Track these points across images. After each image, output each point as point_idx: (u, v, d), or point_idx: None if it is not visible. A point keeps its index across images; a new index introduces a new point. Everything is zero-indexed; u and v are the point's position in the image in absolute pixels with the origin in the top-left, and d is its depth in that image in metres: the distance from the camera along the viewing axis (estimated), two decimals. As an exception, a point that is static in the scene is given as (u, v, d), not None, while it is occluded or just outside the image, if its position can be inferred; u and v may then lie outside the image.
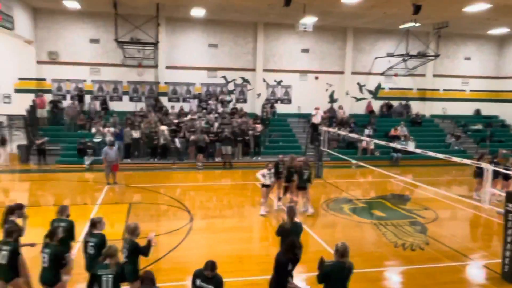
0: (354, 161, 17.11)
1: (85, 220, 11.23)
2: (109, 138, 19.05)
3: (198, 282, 5.42)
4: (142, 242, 6.31)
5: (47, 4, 20.52)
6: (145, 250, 6.19)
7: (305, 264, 7.15)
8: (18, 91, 21.69)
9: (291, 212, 7.50)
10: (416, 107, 26.56)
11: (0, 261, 5.93)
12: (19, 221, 7.05)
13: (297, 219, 11.60)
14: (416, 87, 26.86)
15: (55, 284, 5.99)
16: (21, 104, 21.12)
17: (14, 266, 6.02)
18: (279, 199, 12.74)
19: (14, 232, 6.25)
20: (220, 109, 22.80)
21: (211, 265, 5.40)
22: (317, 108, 22.23)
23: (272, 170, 12.22)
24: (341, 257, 5.48)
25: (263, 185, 12.17)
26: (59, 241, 6.30)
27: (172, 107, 22.62)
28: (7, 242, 6.08)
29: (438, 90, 27.09)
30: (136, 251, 6.16)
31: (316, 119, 21.77)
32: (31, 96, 21.49)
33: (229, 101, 23.68)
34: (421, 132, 24.74)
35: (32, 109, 21.07)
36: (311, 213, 12.12)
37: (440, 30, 23.23)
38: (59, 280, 6.05)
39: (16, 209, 7.08)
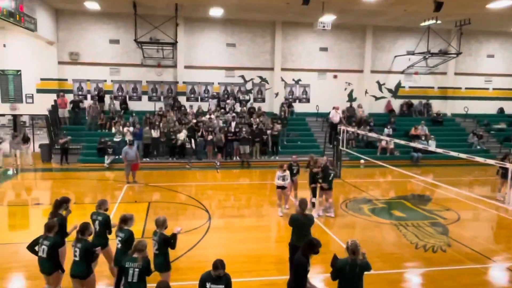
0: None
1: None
2: (128, 137, 19.31)
3: (208, 285, 5.31)
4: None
5: (68, 5, 20.88)
6: (172, 244, 6.58)
7: (324, 265, 7.09)
8: (40, 91, 22.15)
9: (302, 204, 7.71)
10: (437, 106, 26.11)
11: (40, 255, 6.32)
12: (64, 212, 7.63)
13: (318, 220, 11.56)
14: (437, 86, 26.41)
15: (87, 276, 6.28)
16: (43, 104, 21.56)
17: (54, 260, 6.35)
18: (313, 204, 12.29)
19: (54, 227, 6.51)
20: (239, 109, 22.84)
21: (220, 264, 5.34)
22: (335, 108, 22.03)
23: (287, 172, 12.05)
24: (353, 255, 5.60)
25: (278, 187, 12.01)
26: (96, 234, 7.04)
27: (191, 106, 22.76)
28: (47, 237, 6.39)
29: (460, 88, 26.56)
30: (165, 243, 6.52)
31: (335, 119, 21.59)
32: (53, 96, 21.91)
33: (248, 101, 23.70)
34: (442, 131, 24.30)
35: (54, 109, 21.47)
36: (332, 216, 11.97)
37: (462, 27, 22.78)
38: (90, 273, 6.35)
39: (63, 203, 7.63)
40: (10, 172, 17.80)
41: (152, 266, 5.99)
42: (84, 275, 6.27)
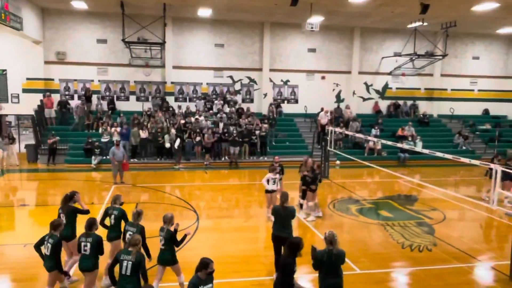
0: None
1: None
2: (115, 138, 19.18)
3: None
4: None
5: (55, 4, 20.65)
6: (178, 242, 6.92)
7: (311, 265, 7.13)
8: (26, 91, 21.88)
9: (283, 196, 8.06)
10: (424, 107, 26.42)
11: (45, 252, 6.52)
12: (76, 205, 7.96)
13: (305, 220, 11.61)
14: (423, 87, 26.71)
15: (95, 269, 6.60)
16: (28, 104, 21.31)
17: (56, 258, 6.51)
18: (301, 206, 12.29)
19: (60, 226, 6.74)
20: (227, 109, 22.81)
21: (209, 263, 5.32)
22: (325, 110, 21.87)
23: (278, 176, 11.65)
24: (330, 244, 5.90)
25: (267, 191, 11.45)
26: (110, 227, 7.62)
27: (179, 107, 22.67)
28: (52, 235, 6.55)
29: (446, 90, 26.91)
30: (172, 239, 6.84)
31: (323, 120, 21.61)
32: (39, 96, 21.64)
33: (236, 102, 23.66)
34: (428, 132, 24.59)
35: (40, 109, 21.22)
36: (320, 215, 12.02)
37: (448, 29, 23.07)
38: (97, 267, 6.64)
39: (73, 196, 7.92)
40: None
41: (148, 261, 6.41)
42: (91, 269, 6.55)
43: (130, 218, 7.60)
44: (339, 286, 5.95)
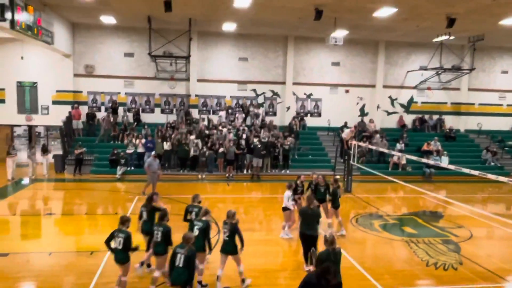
0: (338, 176, 15.75)
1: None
2: (140, 149, 19.56)
3: None
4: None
5: (85, 19, 21.34)
6: (242, 236, 7.98)
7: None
8: (55, 102, 22.59)
9: (309, 199, 9.28)
10: (450, 122, 25.93)
11: (117, 246, 7.27)
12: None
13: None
14: (450, 101, 26.26)
15: (165, 253, 7.59)
16: (57, 115, 22.01)
17: (127, 250, 7.32)
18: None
19: (127, 221, 7.52)
20: (249, 122, 22.92)
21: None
22: (351, 130, 21.18)
23: (294, 195, 11.41)
24: (331, 245, 6.64)
25: (287, 209, 11.23)
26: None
27: (203, 119, 22.91)
28: (121, 230, 7.36)
29: (473, 104, 26.38)
30: (235, 231, 7.89)
31: (347, 136, 21.18)
32: (68, 107, 22.30)
33: (258, 115, 23.71)
34: (455, 147, 24.09)
35: (68, 120, 21.83)
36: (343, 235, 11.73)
37: (476, 43, 22.70)
38: (129, 260, 7.40)
39: (153, 196, 9.10)
40: (24, 182, 18.06)
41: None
42: (123, 262, 7.39)
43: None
44: (340, 283, 6.64)
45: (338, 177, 12.95)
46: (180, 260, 6.51)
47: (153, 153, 16.99)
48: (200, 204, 8.98)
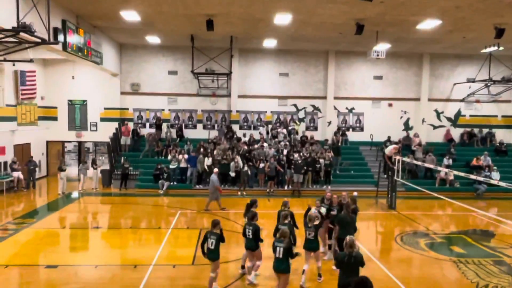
0: (355, 193, 14.93)
1: (158, 244, 11.80)
2: (183, 165, 20.01)
3: None
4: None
5: (131, 39, 22.25)
6: (260, 235, 9.15)
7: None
8: (103, 119, 23.58)
9: (348, 206, 9.82)
10: (501, 136, 24.76)
11: (209, 246, 8.45)
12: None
13: (372, 254, 11.21)
14: (501, 114, 25.15)
15: (217, 259, 8.57)
16: (105, 132, 22.92)
17: (218, 250, 8.50)
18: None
19: (218, 224, 8.59)
20: (288, 137, 22.84)
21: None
22: (394, 147, 20.41)
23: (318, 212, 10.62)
24: (350, 248, 6.84)
25: None
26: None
27: (244, 135, 23.12)
28: (213, 233, 8.49)
29: (526, 116, 25.13)
30: (258, 232, 9.03)
31: (388, 151, 20.54)
32: (114, 124, 23.22)
33: (296, 131, 23.51)
34: (507, 162, 22.95)
35: (115, 136, 22.69)
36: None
37: (527, 53, 21.71)
38: (219, 257, 8.58)
39: (254, 203, 10.57)
40: (73, 196, 18.85)
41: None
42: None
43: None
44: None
45: (356, 194, 12.10)
46: (279, 252, 7.79)
47: (215, 169, 17.37)
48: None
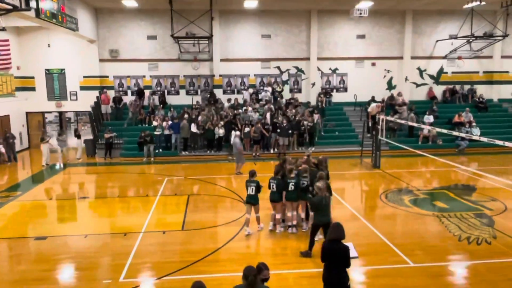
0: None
1: (147, 211, 11.85)
2: (166, 131, 19.85)
3: None
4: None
5: (107, 3, 21.48)
6: (261, 190, 9.85)
7: (365, 257, 6.99)
8: (83, 88, 23.08)
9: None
10: (483, 92, 25.02)
11: (250, 193, 9.72)
12: None
13: (358, 213, 11.45)
14: (482, 70, 25.34)
15: (258, 203, 9.87)
16: (86, 101, 22.48)
17: (257, 195, 9.77)
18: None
19: (255, 174, 9.86)
20: (273, 101, 22.73)
21: (264, 266, 5.14)
22: (377, 105, 20.64)
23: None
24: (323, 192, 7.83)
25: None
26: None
27: (228, 100, 22.89)
28: (252, 180, 9.73)
29: (507, 72, 25.34)
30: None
31: (371, 109, 20.82)
32: (95, 93, 22.75)
33: (280, 91, 23.47)
34: (487, 117, 23.36)
35: (97, 105, 22.29)
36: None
37: (509, 7, 21.64)
38: (258, 201, 9.85)
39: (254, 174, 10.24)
40: (58, 167, 18.66)
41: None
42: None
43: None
44: (329, 222, 7.60)
45: (321, 157, 11.00)
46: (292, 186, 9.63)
47: (237, 133, 17.84)
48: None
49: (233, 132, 19.34)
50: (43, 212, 12.40)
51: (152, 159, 19.36)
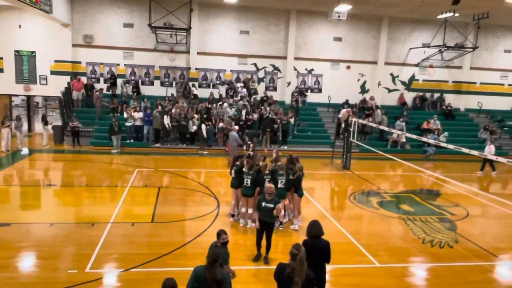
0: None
1: (116, 202, 11.65)
2: (138, 122, 19.53)
3: None
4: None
5: (83, -12, 20.92)
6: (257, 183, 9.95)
7: (332, 256, 7.02)
8: (53, 73, 22.36)
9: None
10: (451, 100, 25.83)
11: (245, 184, 9.87)
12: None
13: (326, 212, 11.61)
14: (451, 80, 26.13)
15: (253, 196, 9.86)
16: (56, 86, 21.85)
17: (254, 188, 9.89)
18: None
19: (253, 166, 9.88)
20: (248, 97, 22.72)
21: (221, 232, 6.21)
22: (347, 110, 20.61)
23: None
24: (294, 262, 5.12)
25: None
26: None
27: (193, 95, 22.65)
28: (249, 173, 9.82)
29: (475, 83, 26.25)
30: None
31: (341, 114, 20.78)
32: (66, 78, 22.11)
33: (254, 89, 23.41)
34: (454, 126, 24.13)
35: (67, 91, 21.68)
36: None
37: (480, 21, 22.40)
38: (254, 194, 9.88)
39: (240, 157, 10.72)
40: (23, 153, 18.06)
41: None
42: (251, 195, 9.90)
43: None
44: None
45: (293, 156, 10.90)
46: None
47: (236, 126, 17.92)
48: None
49: (203, 125, 19.27)
50: (5, 199, 11.97)
51: (118, 150, 18.93)
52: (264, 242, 8.22)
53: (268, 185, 8.36)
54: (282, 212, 9.55)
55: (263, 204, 8.02)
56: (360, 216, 11.70)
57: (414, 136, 14.85)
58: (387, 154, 16.95)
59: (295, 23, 23.86)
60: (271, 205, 7.93)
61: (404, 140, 21.72)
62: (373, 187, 14.95)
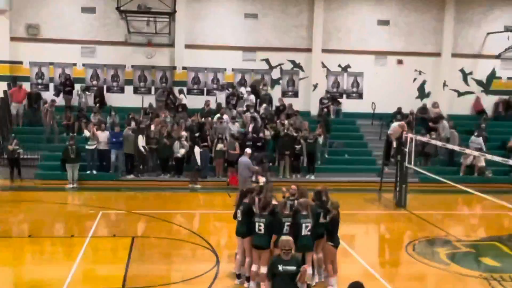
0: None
1: (72, 259, 11.62)
2: (104, 146, 19.55)
3: None
4: None
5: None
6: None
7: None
8: (-15, 78, 22.76)
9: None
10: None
11: (257, 231, 9.50)
12: None
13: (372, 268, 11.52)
14: (550, 76, 26.09)
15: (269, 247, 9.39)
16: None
17: (270, 236, 9.41)
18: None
19: (268, 206, 9.58)
20: (258, 107, 22.77)
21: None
22: (401, 125, 20.45)
23: None
24: None
25: None
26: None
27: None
28: (263, 215, 9.51)
29: None
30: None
31: (391, 130, 20.42)
32: (2, 85, 22.40)
33: (266, 97, 23.48)
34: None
35: (4, 103, 21.94)
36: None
37: None
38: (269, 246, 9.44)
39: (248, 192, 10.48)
40: None
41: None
42: (266, 246, 9.36)
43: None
44: None
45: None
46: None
47: (247, 150, 17.81)
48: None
49: (196, 148, 19.31)
50: None
51: (75, 185, 19.03)
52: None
53: (285, 238, 7.43)
54: (310, 271, 9.21)
55: (281, 268, 6.93)
56: (423, 275, 11.56)
57: (498, 158, 14.73)
58: (459, 185, 16.80)
59: (323, 2, 24.09)
60: (293, 268, 7.15)
61: (483, 163, 21.54)
62: (440, 232, 14.76)
